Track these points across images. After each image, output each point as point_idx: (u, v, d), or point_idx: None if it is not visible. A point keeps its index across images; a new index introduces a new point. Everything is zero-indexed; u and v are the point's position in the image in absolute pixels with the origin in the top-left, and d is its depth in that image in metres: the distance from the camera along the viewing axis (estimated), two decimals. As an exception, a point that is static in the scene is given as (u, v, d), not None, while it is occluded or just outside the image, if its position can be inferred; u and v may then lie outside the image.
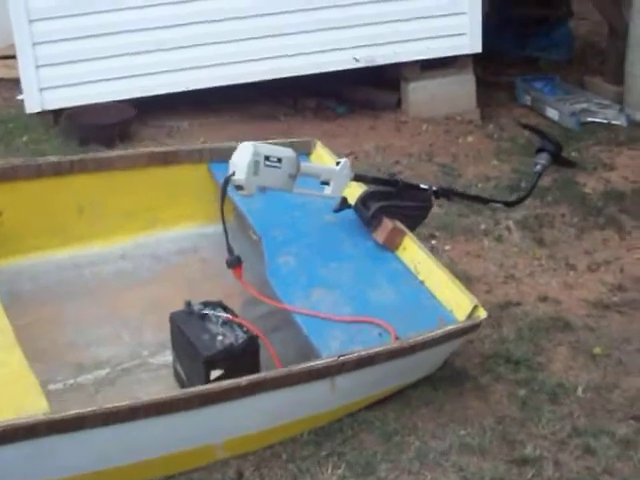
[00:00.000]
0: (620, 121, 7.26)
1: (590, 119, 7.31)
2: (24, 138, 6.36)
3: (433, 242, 5.31)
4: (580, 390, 3.99)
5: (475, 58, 7.39)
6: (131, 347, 4.07)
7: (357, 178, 4.12)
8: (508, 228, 5.57)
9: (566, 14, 8.92)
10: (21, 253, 4.22)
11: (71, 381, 3.85)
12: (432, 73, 7.21)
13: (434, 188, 4.34)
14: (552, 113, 7.40)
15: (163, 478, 3.36)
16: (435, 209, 5.57)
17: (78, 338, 4.06)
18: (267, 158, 3.73)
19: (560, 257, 5.26)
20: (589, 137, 7.03)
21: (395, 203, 4.18)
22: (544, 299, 4.80)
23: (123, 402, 3.04)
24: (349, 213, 4.23)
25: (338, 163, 4.04)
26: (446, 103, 7.20)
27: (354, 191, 4.22)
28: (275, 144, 4.01)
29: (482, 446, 3.60)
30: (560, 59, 8.71)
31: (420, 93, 7.21)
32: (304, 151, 4.60)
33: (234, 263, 3.79)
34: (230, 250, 3.80)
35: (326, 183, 4.00)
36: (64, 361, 3.93)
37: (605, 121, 7.31)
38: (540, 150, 4.83)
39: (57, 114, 6.42)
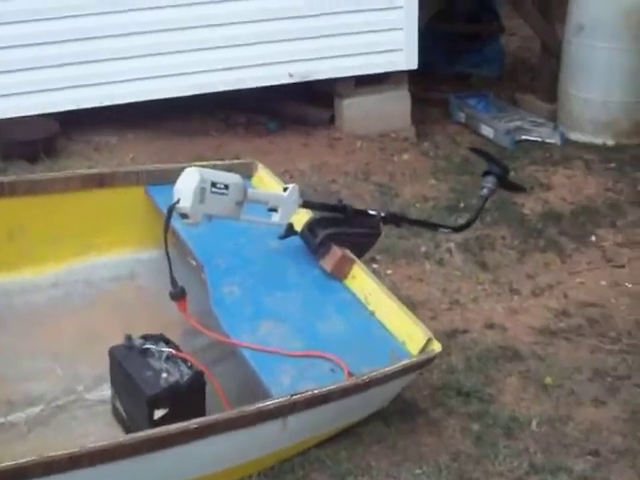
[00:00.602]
0: (554, 139, 7.29)
1: (525, 137, 7.32)
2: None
3: (375, 266, 5.17)
4: (534, 424, 3.88)
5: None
6: (65, 381, 3.83)
7: (306, 204, 3.95)
8: (449, 251, 5.49)
9: (497, 30, 8.93)
10: (-56, 281, 3.96)
11: (1, 420, 3.61)
12: (367, 89, 7.09)
13: (382, 214, 4.20)
14: (487, 131, 7.38)
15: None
16: (374, 231, 5.50)
17: (8, 372, 3.81)
18: (214, 185, 3.54)
19: (503, 281, 5.20)
20: (524, 156, 7.04)
21: (343, 230, 4.02)
22: (490, 326, 4.71)
23: (64, 451, 2.81)
24: (295, 239, 4.06)
25: (286, 189, 3.86)
26: (381, 120, 7.10)
27: (300, 217, 4.05)
28: (217, 167, 3.83)
29: (439, 486, 3.47)
30: (491, 75, 8.72)
31: (354, 109, 7.09)
32: (245, 173, 4.41)
33: (178, 295, 3.59)
34: (174, 282, 3.60)
35: (274, 210, 3.82)
36: (-7, 397, 3.68)
37: (539, 139, 7.33)
38: (487, 173, 4.72)
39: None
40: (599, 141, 7.24)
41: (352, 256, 3.97)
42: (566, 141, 7.27)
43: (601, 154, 7.06)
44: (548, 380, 4.21)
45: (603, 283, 5.26)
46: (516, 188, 4.96)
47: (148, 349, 3.57)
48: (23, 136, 6.03)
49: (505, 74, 8.85)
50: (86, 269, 4.24)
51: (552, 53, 7.76)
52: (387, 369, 3.45)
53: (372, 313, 3.80)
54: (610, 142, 7.23)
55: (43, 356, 3.91)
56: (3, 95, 6.12)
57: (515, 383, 4.20)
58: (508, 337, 4.61)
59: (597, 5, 7.15)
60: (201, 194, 3.51)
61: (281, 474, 3.45)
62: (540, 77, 8.14)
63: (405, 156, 6.85)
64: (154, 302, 4.06)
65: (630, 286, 5.22)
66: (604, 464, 3.67)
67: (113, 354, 3.61)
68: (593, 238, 5.78)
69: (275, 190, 4.07)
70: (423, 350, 3.57)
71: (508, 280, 5.20)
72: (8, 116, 6.14)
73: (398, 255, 5.34)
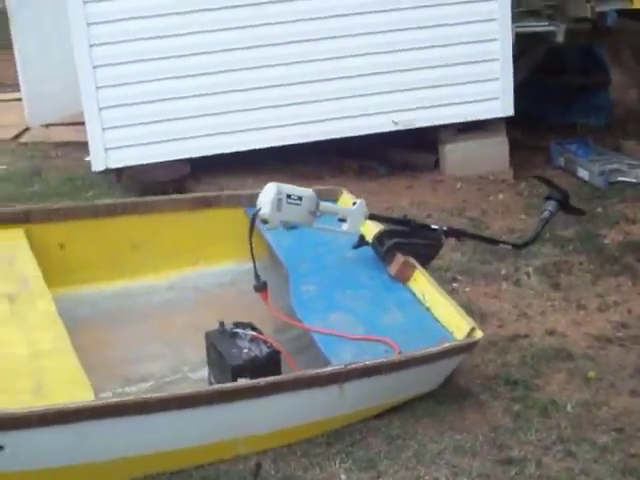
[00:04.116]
0: (649, 180, 7.69)
1: (620, 179, 7.73)
2: (89, 193, 7.06)
3: (454, 284, 5.80)
4: (569, 406, 4.43)
5: (517, 123, 7.94)
6: (173, 364, 4.64)
7: (372, 217, 4.67)
8: (527, 273, 6.03)
9: (605, 81, 9.45)
10: (81, 283, 4.86)
11: (119, 390, 4.41)
12: (467, 135, 7.76)
13: (444, 228, 4.87)
14: (583, 173, 7.86)
15: (194, 467, 3.90)
16: (458, 256, 6.17)
17: (127, 355, 4.65)
18: (289, 196, 4.32)
19: (573, 299, 5.69)
20: (616, 195, 7.46)
21: (408, 241, 4.72)
22: (551, 333, 5.24)
23: (155, 394, 3.59)
24: (367, 250, 4.79)
25: (354, 203, 4.61)
26: (480, 163, 7.74)
27: (371, 230, 4.78)
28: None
29: (473, 449, 4.07)
30: (599, 124, 9.20)
31: (456, 154, 7.77)
32: (331, 198, 5.16)
33: (260, 287, 4.38)
34: (257, 276, 4.38)
35: (343, 220, 4.56)
36: (114, 374, 4.50)
37: (634, 180, 7.71)
38: (548, 198, 5.33)
39: (120, 172, 7.13)
40: (691, 182, 7.64)
41: (414, 262, 4.65)
42: (659, 182, 7.69)
43: (691, 193, 7.47)
44: (591, 374, 4.74)
45: (669, 302, 5.71)
46: (575, 211, 5.52)
47: (237, 332, 4.34)
48: (158, 177, 6.95)
49: (614, 123, 9.30)
50: (195, 276, 5.08)
51: (651, 100, 8.24)
52: (432, 349, 4.11)
53: (428, 309, 4.48)
54: (702, 183, 7.61)
55: (156, 343, 4.73)
56: (142, 143, 7.09)
57: (561, 377, 4.74)
58: (565, 342, 5.14)
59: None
60: (278, 203, 4.30)
61: (341, 435, 4.12)
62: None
63: (500, 196, 7.45)
64: (250, 304, 4.80)
65: (693, 305, 5.65)
66: (626, 439, 4.18)
67: (208, 336, 4.39)
68: (668, 265, 6.21)
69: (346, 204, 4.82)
70: (467, 337, 4.21)
71: (577, 298, 5.70)
72: (149, 161, 7.11)
73: (478, 276, 5.95)
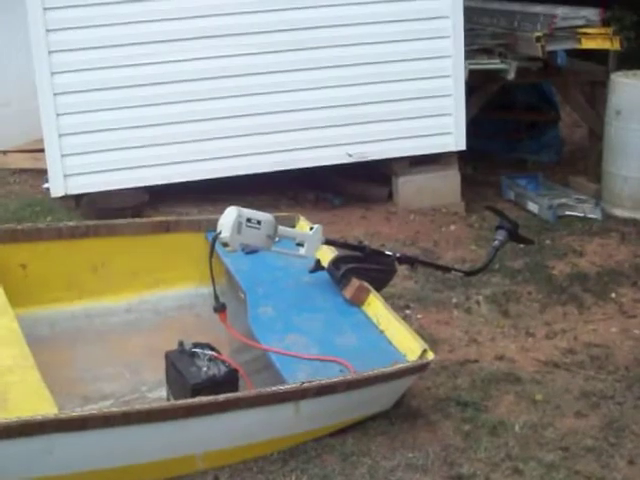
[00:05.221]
0: (595, 214, 7.88)
1: (568, 212, 7.96)
2: (48, 218, 7.13)
3: (407, 311, 5.96)
4: (517, 427, 4.60)
5: (468, 158, 8.17)
6: (132, 384, 4.74)
7: (328, 242, 4.82)
8: (477, 302, 6.21)
9: (555, 119, 9.73)
10: (42, 303, 4.93)
11: (78, 409, 4.48)
12: (420, 168, 7.94)
13: (397, 255, 5.03)
14: (533, 207, 8.08)
15: (151, 483, 4.00)
16: (411, 284, 6.35)
17: (86, 375, 4.74)
18: (249, 220, 4.46)
19: (521, 327, 5.88)
20: (564, 228, 7.68)
21: (362, 266, 4.87)
22: (500, 358, 5.42)
23: (119, 408, 3.68)
24: (323, 274, 4.93)
25: (311, 228, 4.75)
26: (433, 196, 7.92)
27: (327, 255, 4.92)
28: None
29: (425, 466, 4.21)
30: (549, 161, 9.47)
31: (409, 186, 7.94)
32: (289, 224, 5.30)
33: (219, 308, 4.49)
34: (216, 297, 4.50)
35: (301, 245, 4.70)
36: (74, 393, 4.59)
37: (582, 214, 7.94)
38: (499, 227, 5.51)
39: (79, 198, 7.21)
40: (638, 216, 7.84)
41: (369, 286, 4.80)
42: (607, 216, 7.89)
43: (638, 227, 7.66)
44: (538, 396, 4.91)
45: (613, 330, 5.89)
46: (524, 241, 5.72)
47: (196, 352, 4.45)
48: (116, 204, 7.05)
49: (564, 160, 9.57)
50: (154, 299, 5.18)
51: (598, 137, 8.48)
52: (385, 370, 4.25)
53: (381, 331, 4.62)
54: (649, 216, 7.85)
55: (115, 364, 4.83)
56: (102, 170, 7.19)
57: (510, 399, 4.91)
58: (514, 367, 5.31)
59: (631, 93, 7.89)
60: (238, 227, 4.43)
61: (297, 453, 4.24)
62: (589, 159, 8.86)
63: (452, 227, 7.64)
64: (208, 327, 4.92)
65: (638, 332, 5.84)
66: (571, 457, 4.36)
67: (168, 356, 4.50)
68: (613, 295, 6.40)
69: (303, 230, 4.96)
70: (419, 358, 4.35)
71: (526, 325, 5.89)
72: (107, 188, 7.20)
73: (430, 304, 6.12)
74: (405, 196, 7.95)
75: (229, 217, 4.45)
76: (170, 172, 7.34)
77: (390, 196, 8.06)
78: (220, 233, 4.47)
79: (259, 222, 4.49)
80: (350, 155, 7.64)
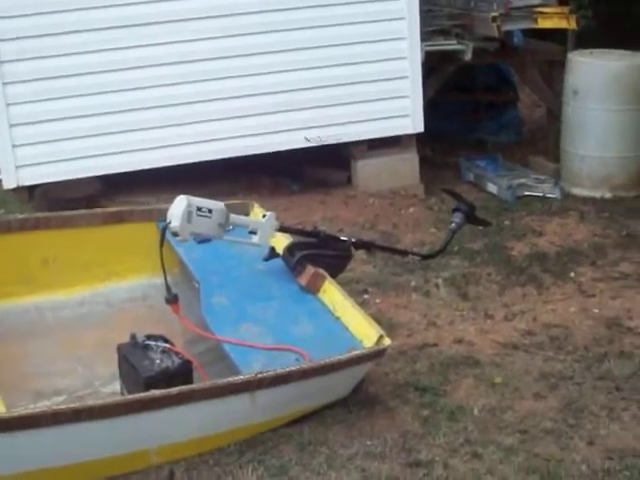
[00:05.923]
0: (555, 194, 7.89)
1: (527, 193, 7.95)
2: (1, 211, 7.01)
3: (365, 296, 5.91)
4: (476, 411, 4.57)
5: (427, 140, 8.11)
6: (85, 378, 4.66)
7: (282, 229, 4.75)
8: (436, 285, 6.17)
9: (513, 99, 9.70)
10: (-10, 299, 4.83)
11: (31, 406, 4.41)
12: (379, 151, 7.88)
13: (353, 240, 4.97)
14: (492, 188, 8.06)
15: (106, 478, 3.92)
16: (369, 268, 6.30)
17: (39, 370, 4.65)
18: (199, 209, 4.38)
19: (480, 309, 5.85)
20: (523, 208, 7.67)
21: (318, 252, 4.81)
22: (459, 341, 5.39)
23: (70, 405, 3.61)
24: (277, 262, 4.86)
25: (264, 216, 4.68)
26: (392, 179, 7.87)
27: (282, 242, 4.86)
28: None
29: (383, 453, 4.17)
30: (509, 141, 9.44)
31: (368, 170, 7.88)
32: (242, 212, 5.22)
33: (171, 300, 4.41)
34: (168, 288, 4.42)
35: (254, 232, 4.63)
36: (25, 389, 4.50)
37: (541, 194, 7.94)
38: (455, 210, 5.47)
39: (31, 190, 7.08)
40: (597, 194, 7.84)
41: (324, 273, 4.74)
42: (566, 195, 7.89)
43: (597, 206, 7.66)
44: (497, 379, 4.89)
45: (572, 310, 5.87)
46: (482, 223, 5.68)
47: (148, 345, 4.38)
48: (70, 195, 6.93)
49: (524, 140, 9.55)
50: (107, 291, 5.09)
51: (556, 117, 8.47)
52: (341, 357, 4.19)
53: (337, 318, 4.56)
54: (607, 195, 7.82)
55: (68, 359, 4.74)
56: (54, 161, 7.06)
57: (469, 383, 4.88)
58: (473, 350, 5.28)
59: (588, 72, 7.88)
60: (188, 216, 4.35)
61: (253, 444, 4.19)
62: (547, 139, 8.85)
63: (411, 210, 7.60)
64: (162, 318, 4.85)
65: (597, 311, 5.83)
66: (530, 440, 4.33)
67: (120, 349, 4.42)
68: (572, 274, 6.39)
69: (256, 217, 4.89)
70: (376, 345, 4.31)
71: (485, 308, 5.86)
72: (60, 179, 7.08)
73: (388, 288, 6.07)
74: (364, 179, 7.89)
75: (179, 206, 4.37)
76: (124, 161, 7.22)
77: (349, 180, 7.99)
78: (170, 222, 4.38)
79: (210, 210, 4.41)
80: (308, 139, 7.57)
